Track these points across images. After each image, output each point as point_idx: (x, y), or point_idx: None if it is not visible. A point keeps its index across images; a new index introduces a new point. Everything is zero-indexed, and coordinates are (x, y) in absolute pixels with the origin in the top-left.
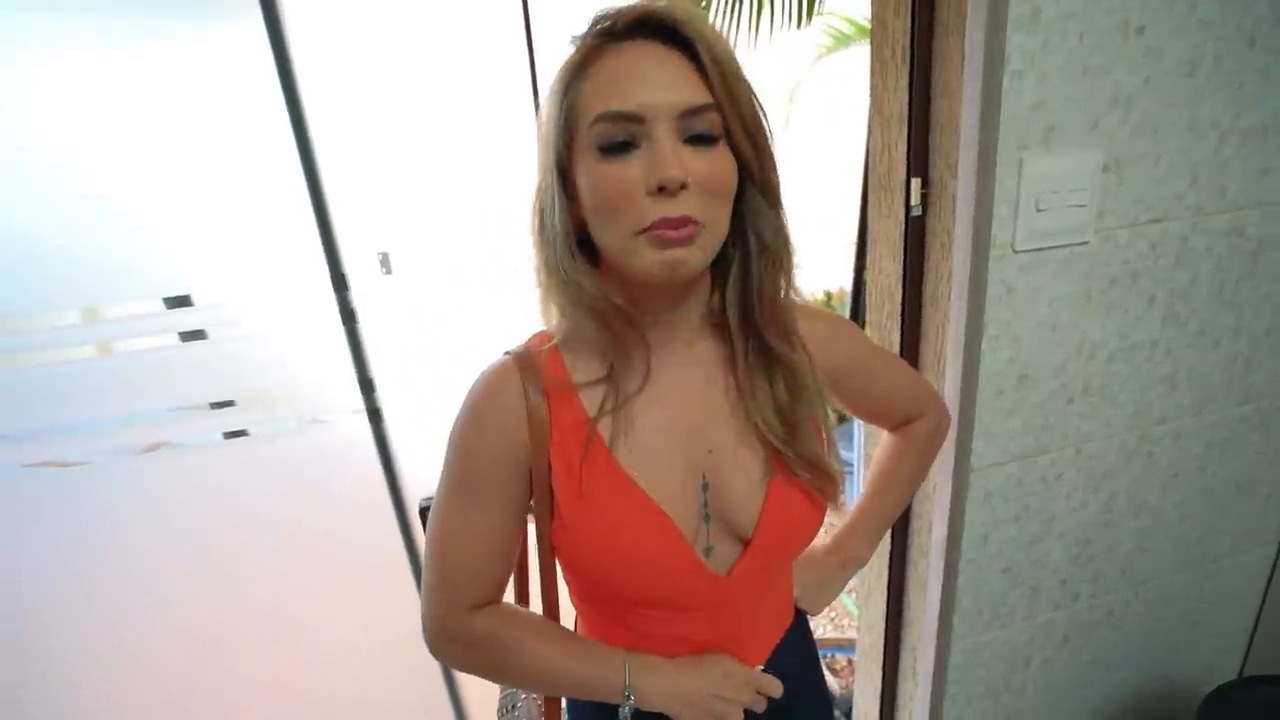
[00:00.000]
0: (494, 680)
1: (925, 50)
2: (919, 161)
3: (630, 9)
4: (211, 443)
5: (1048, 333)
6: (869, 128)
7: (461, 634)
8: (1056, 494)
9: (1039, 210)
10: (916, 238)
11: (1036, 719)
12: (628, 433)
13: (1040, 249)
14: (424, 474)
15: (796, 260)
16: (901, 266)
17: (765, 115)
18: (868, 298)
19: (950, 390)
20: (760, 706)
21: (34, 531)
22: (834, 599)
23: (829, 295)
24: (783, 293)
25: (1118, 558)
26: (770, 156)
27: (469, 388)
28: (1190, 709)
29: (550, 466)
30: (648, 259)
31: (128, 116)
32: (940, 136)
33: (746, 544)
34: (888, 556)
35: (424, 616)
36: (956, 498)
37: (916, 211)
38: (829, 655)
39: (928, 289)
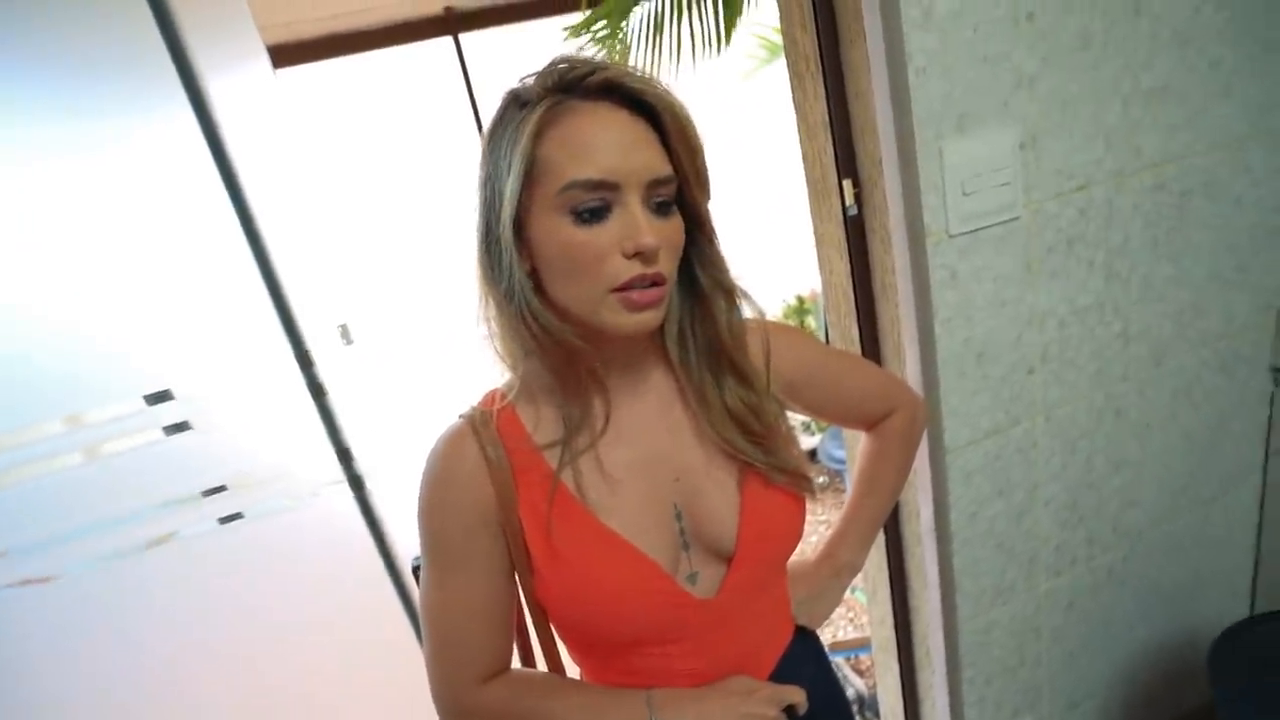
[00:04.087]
0: None
1: (834, 59)
2: (848, 163)
3: (595, 69)
4: (209, 530)
5: (997, 308)
6: (798, 137)
7: (474, 710)
8: (1035, 463)
9: (965, 194)
10: (857, 236)
11: (1058, 689)
12: (594, 476)
13: (974, 230)
14: (413, 534)
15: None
16: (848, 265)
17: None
18: (824, 298)
19: (913, 377)
20: None
21: (36, 649)
22: (832, 610)
23: (801, 300)
24: (738, 320)
25: (1107, 516)
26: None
27: (426, 456)
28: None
29: (521, 523)
30: (619, 318)
31: (75, 223)
32: (863, 137)
33: (731, 560)
34: (884, 548)
35: (433, 697)
36: (937, 480)
37: (853, 211)
38: (853, 656)
39: (876, 283)
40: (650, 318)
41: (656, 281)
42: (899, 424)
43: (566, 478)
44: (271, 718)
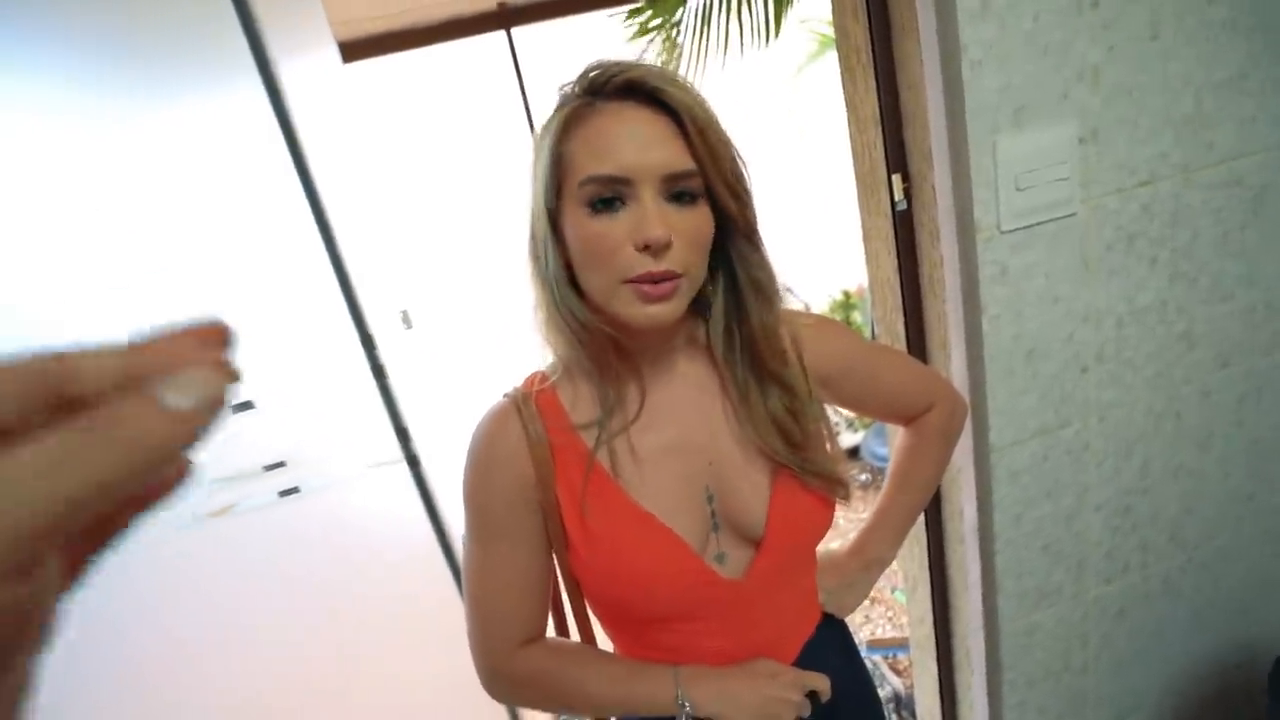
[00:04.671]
0: (551, 711)
1: (886, 50)
2: (897, 157)
3: (619, 71)
4: (269, 503)
5: (1049, 305)
6: (848, 130)
7: (511, 674)
8: (1085, 465)
9: (1019, 189)
10: (905, 231)
11: (1104, 698)
12: (628, 457)
13: (1028, 226)
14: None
15: (780, 288)
16: (896, 260)
17: (745, 166)
18: (871, 293)
19: (959, 374)
20: (807, 710)
21: (101, 610)
22: (861, 600)
23: (847, 295)
24: (776, 323)
25: (1164, 524)
26: (751, 204)
27: (471, 434)
28: (1266, 672)
29: (558, 500)
30: (631, 309)
31: (148, 203)
32: (914, 131)
33: (759, 545)
34: (926, 546)
35: (473, 659)
36: (981, 479)
37: (902, 205)
38: (891, 655)
39: (924, 278)
40: (662, 311)
41: (669, 276)
42: (937, 420)
43: (602, 457)
44: (322, 684)
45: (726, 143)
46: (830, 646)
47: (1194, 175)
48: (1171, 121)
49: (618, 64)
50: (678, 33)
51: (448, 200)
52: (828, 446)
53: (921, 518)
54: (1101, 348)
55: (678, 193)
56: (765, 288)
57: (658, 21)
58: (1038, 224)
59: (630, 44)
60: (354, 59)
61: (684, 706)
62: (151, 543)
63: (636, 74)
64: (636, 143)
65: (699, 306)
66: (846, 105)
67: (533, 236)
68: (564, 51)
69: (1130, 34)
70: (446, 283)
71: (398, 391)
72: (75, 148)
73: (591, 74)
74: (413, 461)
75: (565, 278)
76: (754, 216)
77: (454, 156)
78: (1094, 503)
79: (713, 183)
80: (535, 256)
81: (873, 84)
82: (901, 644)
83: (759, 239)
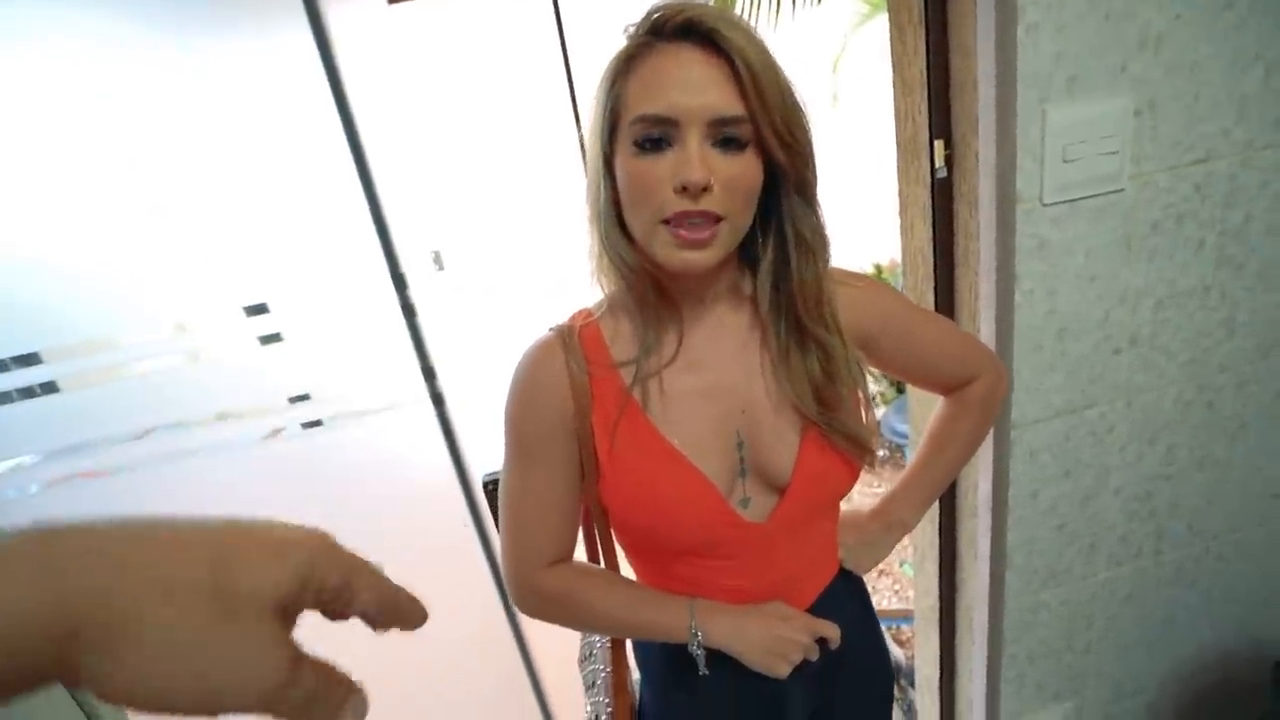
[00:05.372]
0: (573, 627)
1: (940, 10)
2: (941, 123)
3: (678, 11)
4: (293, 434)
5: (1086, 284)
6: (893, 93)
7: (538, 589)
8: (1109, 448)
9: (1066, 161)
10: (944, 200)
11: (1104, 679)
12: (662, 396)
13: (1072, 200)
14: (485, 452)
15: (829, 249)
16: (931, 229)
17: (805, 118)
18: (903, 262)
19: None
20: (815, 654)
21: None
22: (880, 560)
23: (879, 268)
24: (819, 280)
25: (1183, 512)
26: (806, 158)
27: (517, 362)
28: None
29: (593, 431)
30: (666, 251)
31: (190, 136)
32: (961, 97)
33: (783, 492)
34: (937, 519)
35: (504, 576)
36: (999, 454)
37: (942, 173)
38: (894, 626)
39: (959, 249)
40: (698, 257)
41: (707, 219)
42: (979, 391)
43: (637, 394)
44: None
45: (782, 90)
46: (845, 599)
47: (1255, 155)
48: (1235, 97)
49: (680, 4)
50: None
51: (484, 146)
52: (862, 414)
53: None
54: (1137, 330)
55: (725, 138)
56: (812, 244)
57: None
58: (1082, 198)
59: None
60: (397, 1)
61: (696, 636)
62: (171, 463)
63: (695, 13)
64: (686, 84)
65: (748, 258)
66: (893, 67)
67: (589, 174)
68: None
69: (1201, 2)
70: (480, 227)
71: (426, 332)
72: (121, 78)
73: (653, 15)
74: (437, 400)
75: (614, 217)
76: (807, 169)
77: (491, 103)
78: (1113, 485)
79: (762, 131)
80: (590, 195)
81: (922, 45)
82: (905, 615)
83: (811, 194)
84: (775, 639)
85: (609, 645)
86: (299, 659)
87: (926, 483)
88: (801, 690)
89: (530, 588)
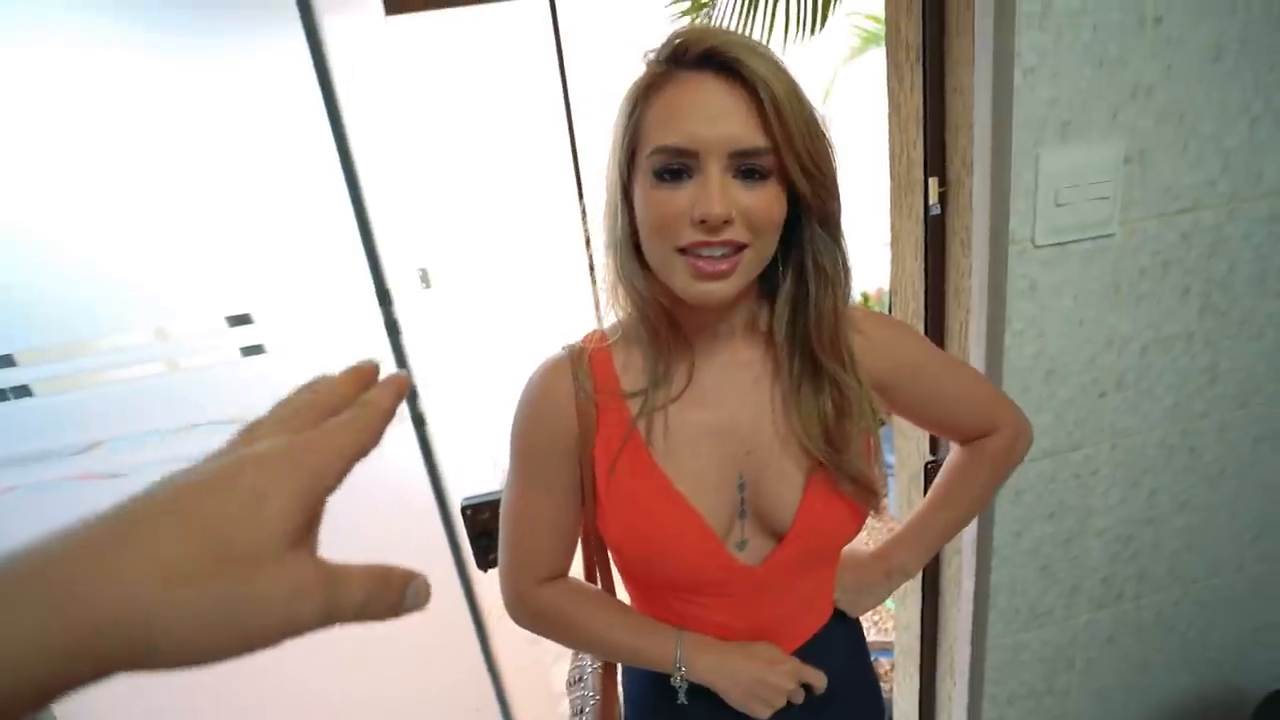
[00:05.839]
0: (562, 644)
1: (938, 50)
2: (936, 161)
3: (699, 40)
4: None
5: (1075, 327)
6: (888, 128)
7: (531, 604)
8: (1092, 490)
9: (1059, 205)
10: (936, 236)
11: None
12: (666, 431)
13: (1063, 243)
14: (465, 476)
15: (850, 283)
16: (923, 265)
17: (830, 147)
18: (893, 296)
19: None
20: (799, 698)
21: None
22: (876, 605)
23: (866, 297)
24: (837, 314)
25: (1164, 556)
26: (830, 188)
27: (528, 379)
28: (1249, 716)
29: (594, 458)
30: (684, 283)
31: (182, 146)
32: (956, 135)
33: (781, 538)
34: None
35: (500, 586)
36: None
37: (935, 210)
38: (873, 658)
39: (949, 286)
40: (718, 288)
41: (729, 248)
42: (997, 446)
43: (642, 426)
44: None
45: (806, 120)
46: (838, 643)
47: (1239, 207)
48: (1222, 149)
49: (701, 31)
50: (711, 15)
51: (478, 163)
52: (870, 458)
53: None
54: (1123, 375)
55: (747, 169)
56: (832, 276)
57: (707, 1)
58: (1073, 241)
59: (675, 22)
60: (395, 12)
61: (680, 670)
62: (144, 473)
63: (717, 42)
64: (706, 115)
65: (768, 290)
66: (889, 102)
67: (607, 202)
68: (608, 22)
69: (1191, 54)
70: (469, 246)
71: (410, 350)
72: (113, 82)
73: (675, 42)
74: (418, 421)
75: (631, 246)
76: (832, 200)
77: (487, 120)
78: (1096, 528)
79: (786, 162)
80: (607, 224)
81: (919, 83)
82: (885, 648)
83: (835, 225)
84: (758, 681)
85: (600, 670)
86: (333, 576)
87: (932, 531)
88: None
89: (523, 601)
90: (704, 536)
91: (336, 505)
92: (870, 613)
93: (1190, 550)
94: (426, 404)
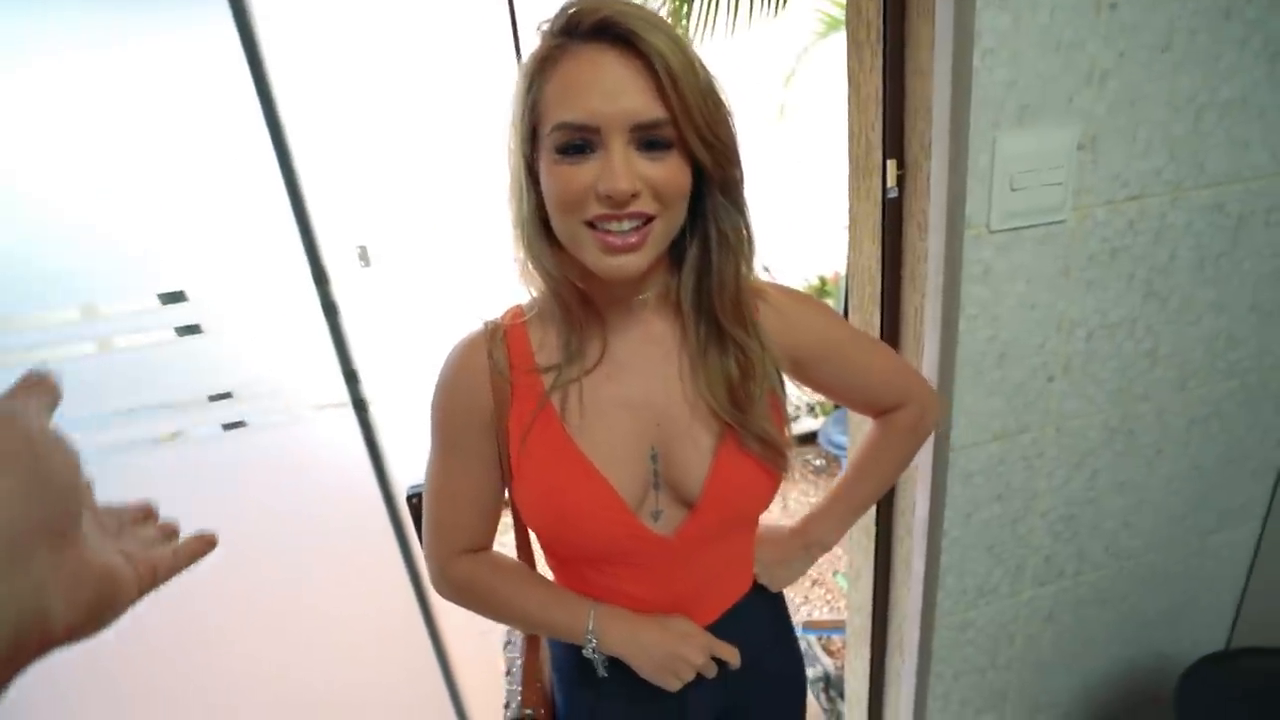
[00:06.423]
0: (483, 615)
1: (898, 31)
2: (894, 143)
3: (594, 10)
4: (213, 434)
5: (1027, 311)
6: (847, 109)
7: (452, 577)
8: (1038, 472)
9: (1014, 190)
10: (894, 219)
11: (1023, 694)
12: (581, 404)
13: (1017, 228)
14: (411, 462)
15: (754, 250)
16: (880, 248)
17: (729, 115)
18: (849, 280)
19: (929, 371)
20: (711, 672)
21: None
22: (795, 579)
23: (823, 280)
24: (738, 280)
25: (1102, 535)
26: (731, 156)
27: (445, 355)
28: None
29: (509, 431)
30: (594, 257)
31: (109, 118)
32: (915, 117)
33: (693, 507)
34: (874, 537)
35: (425, 561)
36: (937, 477)
37: (893, 193)
38: (825, 636)
39: (906, 270)
40: (629, 262)
41: (637, 219)
42: (907, 419)
43: (555, 400)
44: (256, 615)
45: (703, 92)
46: (756, 615)
47: (1182, 196)
48: (1169, 138)
49: (594, 3)
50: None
51: (418, 137)
52: (779, 421)
53: (874, 509)
54: (1070, 359)
55: (649, 141)
56: (734, 243)
57: None
58: (1027, 227)
59: None
60: None
61: (590, 641)
62: (96, 463)
63: (611, 13)
64: (604, 90)
65: (678, 259)
66: (849, 83)
67: (511, 180)
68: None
69: (1143, 41)
70: (411, 222)
71: (350, 331)
72: (40, 54)
73: (568, 12)
74: (359, 406)
75: (538, 222)
76: (732, 168)
77: (431, 92)
78: (1040, 509)
79: (684, 133)
80: (513, 201)
81: (879, 63)
82: (836, 626)
83: (737, 194)
84: (669, 655)
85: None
86: (104, 566)
87: (849, 505)
88: (705, 696)
89: (444, 573)
90: (615, 506)
91: (280, 494)
92: (823, 590)
93: (1127, 529)
94: (368, 388)
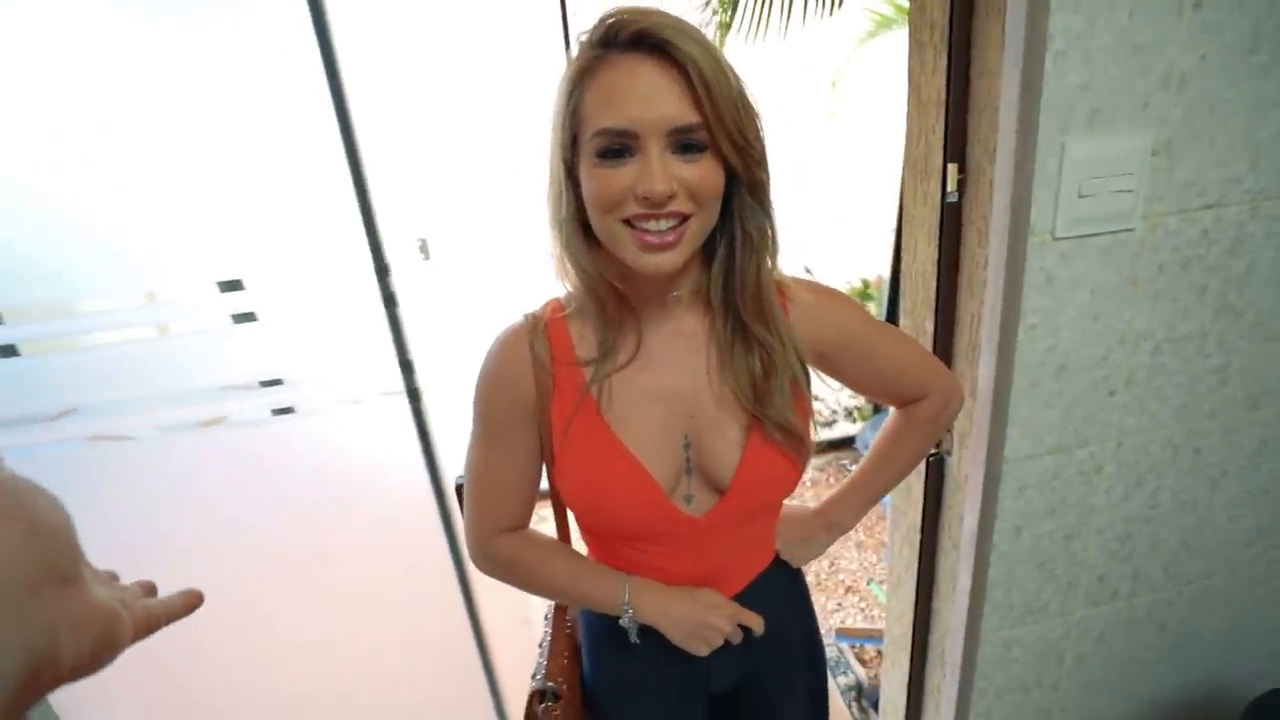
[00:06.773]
0: (523, 589)
1: (964, 31)
2: (956, 146)
3: (630, 21)
4: (262, 419)
5: (1089, 322)
6: (907, 111)
7: (492, 554)
8: (1095, 488)
9: (1081, 196)
10: (952, 224)
11: (1069, 716)
12: (617, 396)
13: (1083, 236)
14: (460, 452)
15: (778, 249)
16: (936, 253)
17: (757, 119)
18: (902, 285)
19: (984, 380)
20: (737, 638)
21: (95, 502)
22: (816, 556)
23: (866, 284)
24: (760, 277)
25: (1161, 556)
26: (759, 158)
27: (488, 346)
28: (1235, 717)
29: (551, 421)
30: (636, 256)
31: (180, 108)
32: (979, 120)
33: (724, 492)
34: (918, 547)
35: (466, 540)
36: (988, 489)
37: (953, 198)
38: (858, 645)
39: (963, 277)
40: (666, 259)
41: (674, 219)
42: (927, 410)
43: (594, 392)
44: (301, 599)
45: (733, 97)
46: (777, 587)
47: (1264, 205)
48: (1252, 144)
49: (631, 13)
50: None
51: (481, 134)
52: (803, 413)
53: (918, 520)
54: (1133, 372)
55: (685, 144)
56: (757, 243)
57: None
58: (1093, 235)
59: None
60: None
61: (627, 611)
62: (140, 444)
63: (648, 24)
64: (642, 97)
65: (709, 258)
66: (909, 85)
67: (551, 182)
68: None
69: (1228, 43)
70: (471, 218)
71: (407, 322)
72: (111, 42)
73: (607, 24)
74: (414, 395)
75: (577, 223)
76: (760, 170)
77: (493, 89)
78: (1096, 526)
79: (717, 136)
80: (552, 202)
81: (943, 65)
82: (870, 635)
83: (763, 195)
84: (699, 624)
85: (553, 612)
86: (105, 608)
87: (869, 491)
88: (729, 662)
89: (484, 551)
90: (650, 490)
91: (327, 481)
92: (857, 598)
93: (1187, 550)
94: (423, 378)
